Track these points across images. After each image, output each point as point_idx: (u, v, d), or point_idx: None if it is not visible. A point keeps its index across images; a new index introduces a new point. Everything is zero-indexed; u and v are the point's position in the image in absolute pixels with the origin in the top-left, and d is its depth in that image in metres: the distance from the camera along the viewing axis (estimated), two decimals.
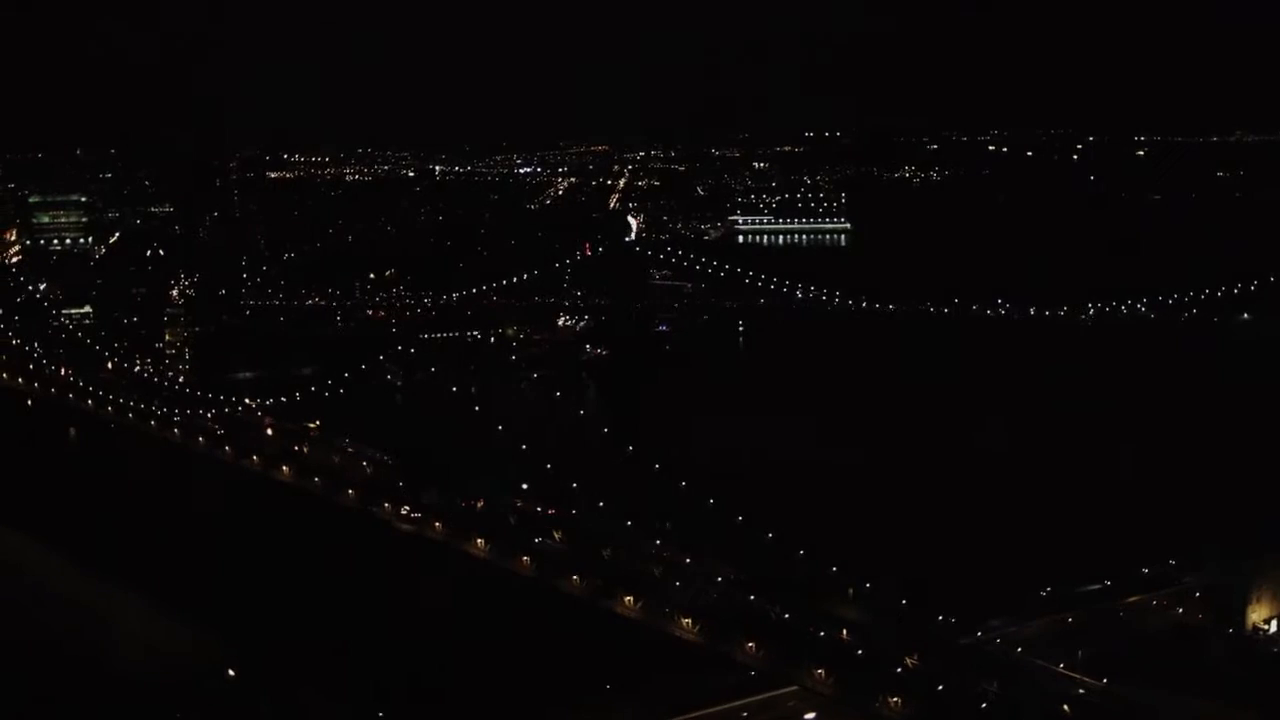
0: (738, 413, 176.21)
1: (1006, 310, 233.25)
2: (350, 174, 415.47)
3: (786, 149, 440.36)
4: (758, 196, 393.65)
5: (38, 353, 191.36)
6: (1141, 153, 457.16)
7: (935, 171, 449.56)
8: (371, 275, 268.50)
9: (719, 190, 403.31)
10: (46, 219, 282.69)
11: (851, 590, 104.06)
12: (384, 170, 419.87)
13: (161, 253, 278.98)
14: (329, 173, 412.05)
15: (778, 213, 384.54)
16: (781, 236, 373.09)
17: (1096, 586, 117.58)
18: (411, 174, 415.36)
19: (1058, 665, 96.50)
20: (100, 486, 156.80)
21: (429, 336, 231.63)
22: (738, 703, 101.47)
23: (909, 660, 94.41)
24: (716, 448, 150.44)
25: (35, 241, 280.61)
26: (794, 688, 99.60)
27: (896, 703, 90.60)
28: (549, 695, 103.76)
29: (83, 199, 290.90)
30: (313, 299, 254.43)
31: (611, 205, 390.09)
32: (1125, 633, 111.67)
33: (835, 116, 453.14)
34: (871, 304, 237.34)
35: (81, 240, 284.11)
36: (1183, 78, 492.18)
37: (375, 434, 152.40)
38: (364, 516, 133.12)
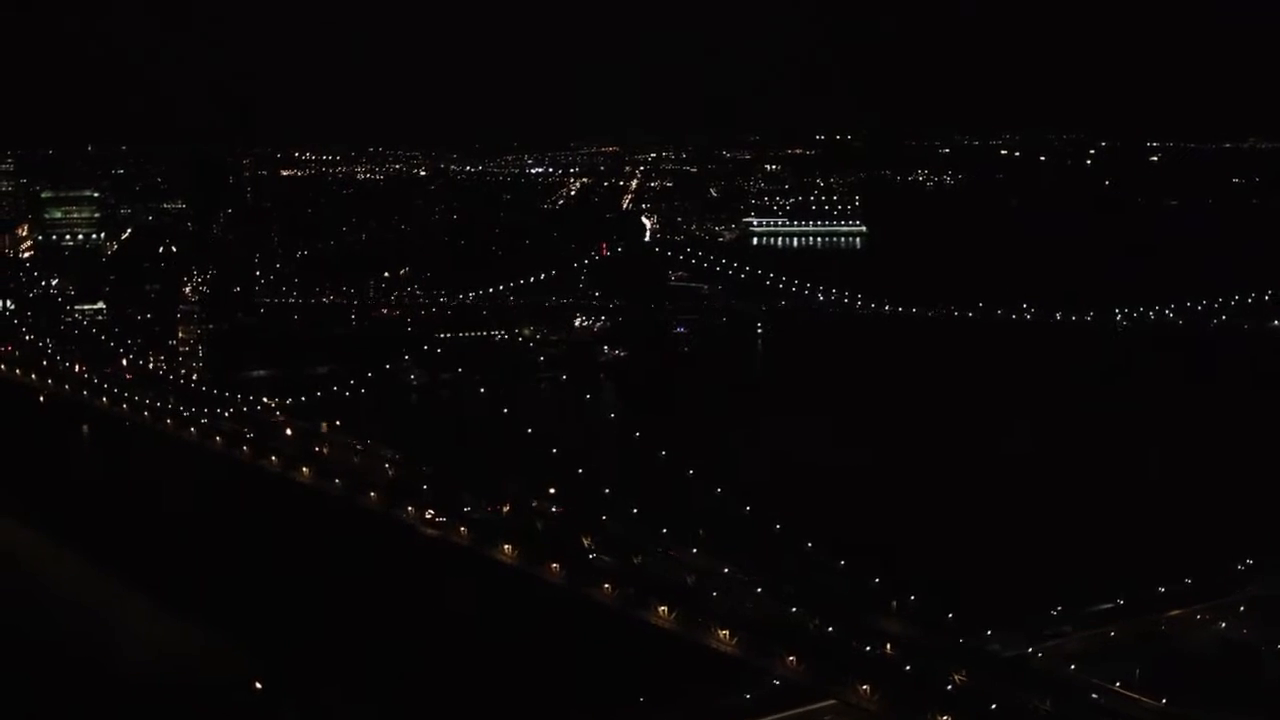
0: (761, 416, 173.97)
1: (1033, 315, 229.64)
2: (362, 173, 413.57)
3: (798, 151, 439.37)
4: (771, 199, 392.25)
5: (51, 349, 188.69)
6: (1154, 158, 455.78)
7: (949, 175, 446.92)
8: (386, 274, 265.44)
9: (731, 192, 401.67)
10: (59, 214, 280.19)
11: (895, 603, 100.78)
12: (395, 169, 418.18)
13: (174, 249, 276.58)
14: (340, 171, 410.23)
15: (792, 215, 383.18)
16: (796, 239, 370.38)
17: (1138, 598, 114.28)
18: (423, 173, 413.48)
19: (1113, 683, 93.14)
20: (113, 486, 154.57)
21: (445, 336, 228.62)
22: (773, 717, 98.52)
23: (957, 676, 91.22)
24: (745, 452, 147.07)
25: (47, 237, 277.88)
26: (830, 702, 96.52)
27: None
28: (580, 706, 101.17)
29: (95, 195, 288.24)
30: (327, 297, 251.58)
31: (624, 206, 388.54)
32: (1171, 648, 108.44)
33: (846, 119, 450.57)
34: (894, 307, 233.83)
35: (94, 236, 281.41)
36: (1194, 84, 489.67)
37: (395, 435, 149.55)
38: (387, 520, 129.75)
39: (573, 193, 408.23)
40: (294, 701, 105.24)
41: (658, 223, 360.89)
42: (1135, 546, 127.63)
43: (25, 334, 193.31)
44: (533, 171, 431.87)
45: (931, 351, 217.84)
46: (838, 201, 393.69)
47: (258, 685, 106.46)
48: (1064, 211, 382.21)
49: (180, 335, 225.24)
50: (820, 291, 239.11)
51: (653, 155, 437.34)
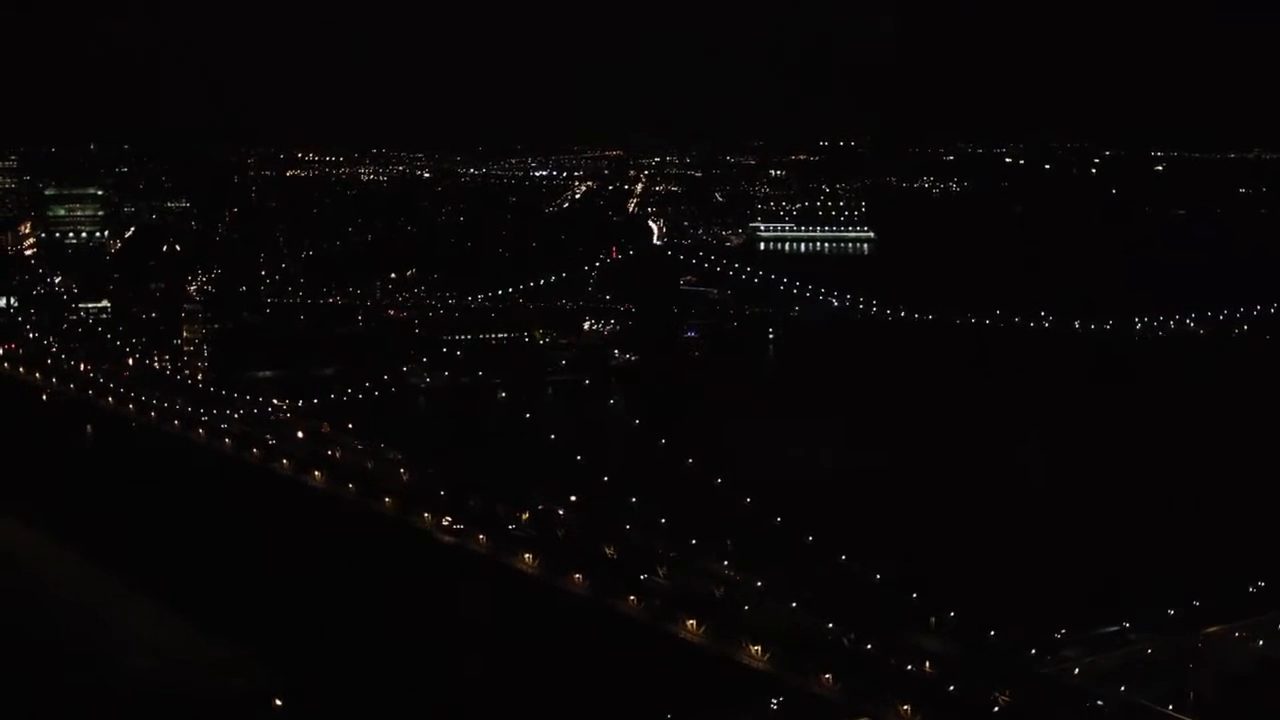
0: (777, 422, 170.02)
1: (1050, 322, 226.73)
2: (365, 174, 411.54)
3: (802, 157, 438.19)
4: (778, 204, 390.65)
5: (54, 347, 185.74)
6: (1160, 168, 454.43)
7: (955, 182, 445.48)
8: (393, 275, 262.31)
9: (737, 197, 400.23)
10: (62, 212, 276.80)
11: (933, 619, 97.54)
12: (399, 171, 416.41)
13: (178, 248, 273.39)
14: (343, 172, 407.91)
15: (799, 220, 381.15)
16: (803, 244, 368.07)
17: (1172, 612, 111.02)
18: (427, 175, 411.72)
19: (1166, 706, 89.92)
20: (119, 487, 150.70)
21: (463, 338, 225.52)
22: None
23: (1002, 696, 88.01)
24: (764, 459, 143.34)
25: (50, 234, 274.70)
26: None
27: None
28: None
29: (98, 192, 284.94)
30: (333, 298, 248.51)
31: (630, 210, 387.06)
32: (1209, 667, 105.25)
33: (848, 126, 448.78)
34: (910, 314, 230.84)
35: (97, 234, 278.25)
36: (1198, 94, 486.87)
37: (408, 439, 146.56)
38: (402, 526, 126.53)
39: (577, 196, 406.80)
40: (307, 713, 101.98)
41: (664, 227, 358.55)
42: (1166, 560, 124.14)
43: (29, 332, 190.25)
44: (537, 174, 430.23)
45: (946, 357, 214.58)
46: (844, 207, 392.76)
47: (278, 702, 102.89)
48: (1072, 219, 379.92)
49: (185, 335, 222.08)
50: (835, 297, 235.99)
51: (656, 159, 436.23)
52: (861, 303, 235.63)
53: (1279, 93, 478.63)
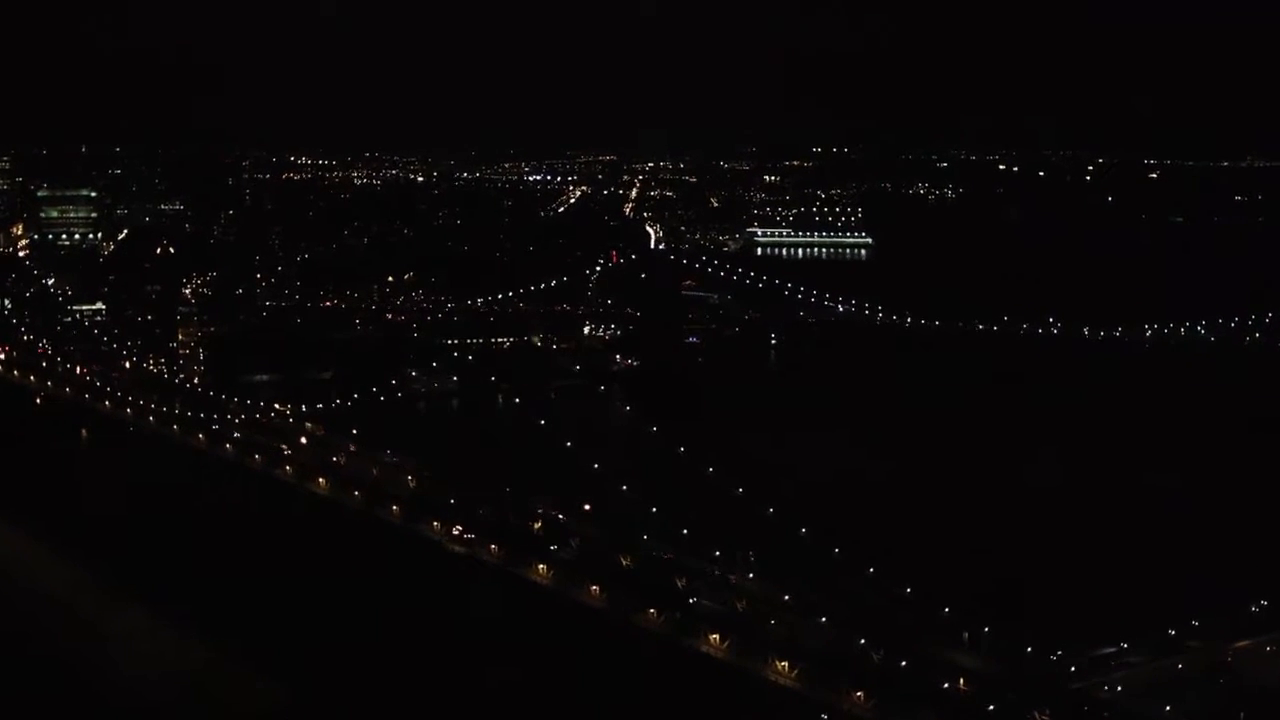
0: (791, 432, 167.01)
1: (1059, 329, 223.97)
2: (358, 178, 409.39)
3: (796, 163, 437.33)
4: (774, 209, 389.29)
5: (49, 349, 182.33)
6: (1153, 175, 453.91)
7: (950, 189, 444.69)
8: (390, 278, 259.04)
9: (733, 202, 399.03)
10: (55, 213, 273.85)
11: (966, 634, 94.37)
12: (392, 174, 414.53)
13: (171, 250, 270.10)
14: (336, 176, 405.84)
15: (796, 225, 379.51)
16: (801, 249, 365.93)
17: (1202, 627, 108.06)
18: (420, 179, 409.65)
19: None
20: (113, 491, 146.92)
21: (453, 342, 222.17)
22: None
23: (1042, 716, 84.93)
24: (784, 469, 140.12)
25: (43, 235, 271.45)
26: None
27: None
28: None
29: (92, 194, 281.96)
30: (331, 301, 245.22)
31: (627, 214, 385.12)
32: (1241, 682, 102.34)
33: (841, 132, 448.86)
34: (916, 320, 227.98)
35: (90, 236, 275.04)
36: (1190, 102, 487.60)
37: (413, 445, 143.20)
38: (410, 535, 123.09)
39: (572, 200, 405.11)
40: None
41: (660, 231, 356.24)
42: (1190, 571, 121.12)
43: (23, 334, 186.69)
44: (531, 179, 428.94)
45: (955, 364, 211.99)
46: (840, 213, 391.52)
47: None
48: (1069, 226, 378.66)
49: (180, 337, 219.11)
50: (839, 302, 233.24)
51: (650, 164, 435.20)
52: (868, 309, 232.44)
53: (1270, 100, 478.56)
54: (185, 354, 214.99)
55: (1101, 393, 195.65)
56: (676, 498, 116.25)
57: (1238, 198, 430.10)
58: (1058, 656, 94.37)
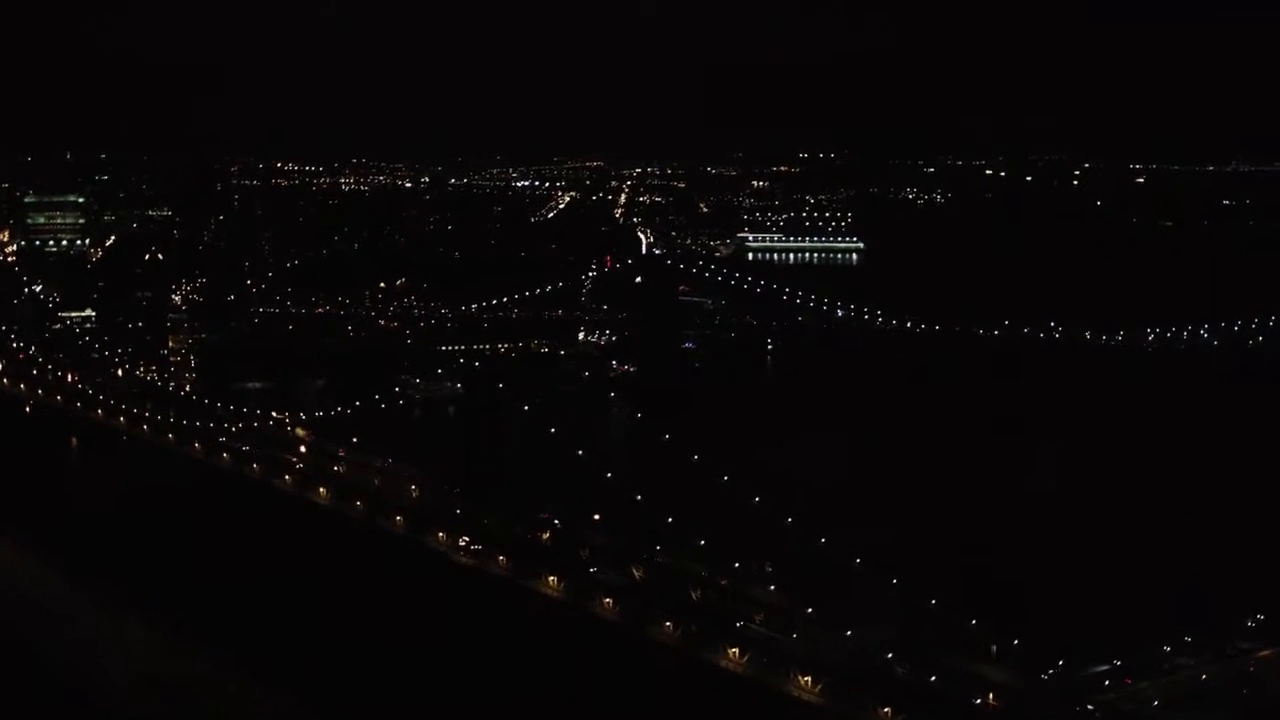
0: (789, 436, 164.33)
1: (1060, 333, 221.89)
2: (346, 183, 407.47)
3: (783, 169, 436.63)
4: (764, 214, 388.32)
5: (38, 357, 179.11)
6: (1140, 180, 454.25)
7: (938, 193, 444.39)
8: (382, 284, 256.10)
9: (723, 207, 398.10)
10: (42, 220, 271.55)
11: (994, 647, 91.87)
12: (380, 180, 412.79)
13: (160, 257, 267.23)
14: (324, 182, 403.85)
15: (787, 230, 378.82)
16: (792, 254, 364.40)
17: (1222, 637, 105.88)
18: (408, 185, 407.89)
19: None
20: (104, 500, 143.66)
21: (448, 349, 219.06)
22: None
23: None
24: (794, 477, 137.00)
25: (30, 242, 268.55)
26: None
27: None
28: None
29: (79, 200, 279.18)
30: (322, 307, 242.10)
31: (617, 219, 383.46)
32: (1265, 691, 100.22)
33: (827, 138, 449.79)
34: (916, 325, 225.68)
35: (78, 242, 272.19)
36: (1176, 107, 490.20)
37: (411, 452, 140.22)
38: (415, 546, 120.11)
39: (561, 206, 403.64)
40: None
41: (651, 237, 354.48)
42: (1205, 579, 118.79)
43: (11, 341, 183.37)
44: (519, 185, 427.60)
45: (954, 368, 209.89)
46: (830, 218, 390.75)
47: None
48: (1059, 231, 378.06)
49: (171, 344, 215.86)
50: (838, 307, 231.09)
51: (638, 170, 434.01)
52: (865, 314, 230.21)
53: (1254, 105, 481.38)
54: (176, 361, 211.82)
55: (1100, 394, 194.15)
56: (691, 507, 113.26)
57: (1225, 201, 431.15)
58: (1083, 669, 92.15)
